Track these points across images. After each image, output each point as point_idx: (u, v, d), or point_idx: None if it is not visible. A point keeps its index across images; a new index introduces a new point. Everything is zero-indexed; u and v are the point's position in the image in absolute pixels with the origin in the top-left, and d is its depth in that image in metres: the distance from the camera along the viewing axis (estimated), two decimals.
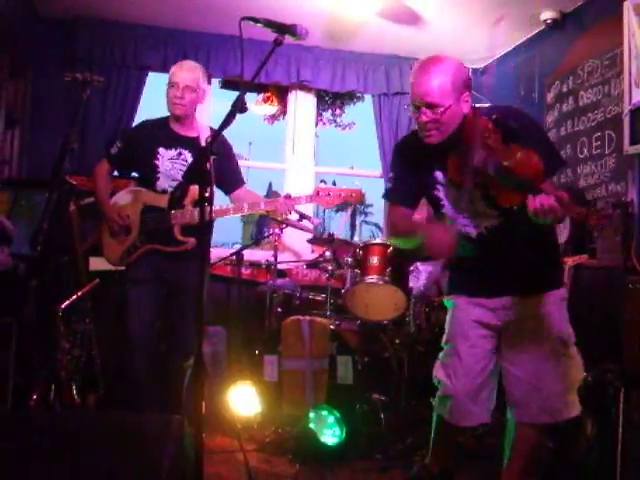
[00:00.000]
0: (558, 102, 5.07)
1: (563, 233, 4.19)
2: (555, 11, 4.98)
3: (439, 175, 2.73)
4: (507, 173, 2.38)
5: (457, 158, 2.59)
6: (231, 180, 3.90)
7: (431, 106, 2.54)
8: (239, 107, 2.35)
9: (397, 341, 4.51)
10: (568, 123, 4.92)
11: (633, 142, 4.08)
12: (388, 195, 2.98)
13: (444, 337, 3.03)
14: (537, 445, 2.89)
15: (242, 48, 2.49)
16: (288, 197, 3.71)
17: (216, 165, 3.63)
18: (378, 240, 4.64)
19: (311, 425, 3.85)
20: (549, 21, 5.05)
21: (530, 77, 5.46)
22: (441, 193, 2.77)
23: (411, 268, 4.70)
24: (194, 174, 2.27)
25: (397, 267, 4.42)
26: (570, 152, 4.85)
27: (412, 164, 2.83)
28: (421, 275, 4.71)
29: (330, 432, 3.81)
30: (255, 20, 2.49)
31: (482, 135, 2.50)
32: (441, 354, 3.02)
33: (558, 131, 5.04)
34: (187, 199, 3.49)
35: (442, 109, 2.54)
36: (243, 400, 4.23)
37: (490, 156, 2.42)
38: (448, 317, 3.04)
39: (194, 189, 2.33)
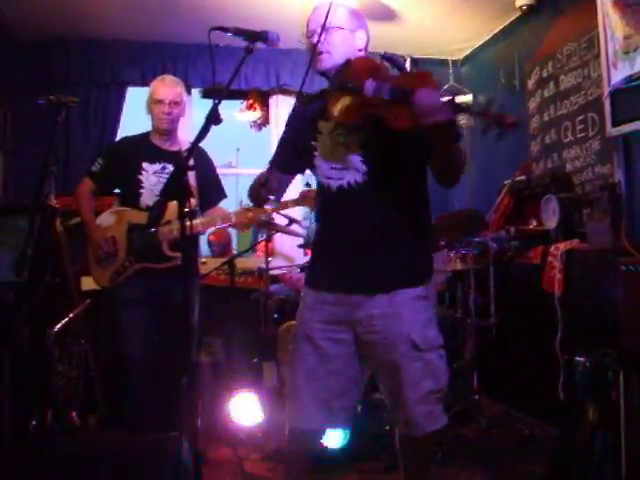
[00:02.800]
0: (539, 88, 5.06)
1: (552, 219, 4.18)
2: None
3: (322, 123, 2.57)
4: (403, 92, 2.16)
5: (344, 98, 2.42)
6: (209, 195, 3.91)
7: (327, 29, 2.51)
8: (213, 118, 2.32)
9: None
10: (551, 108, 4.91)
11: (615, 123, 4.05)
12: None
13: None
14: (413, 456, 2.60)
15: (212, 58, 2.56)
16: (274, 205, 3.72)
17: (196, 179, 3.66)
18: None
19: None
20: (524, 7, 5.04)
21: (510, 65, 5.45)
22: (318, 143, 2.58)
23: None
24: (170, 190, 2.25)
25: None
26: (555, 137, 4.84)
27: (299, 120, 2.71)
28: None
29: (334, 435, 3.79)
30: (224, 29, 2.48)
31: (369, 68, 2.43)
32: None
33: (541, 117, 5.03)
34: (171, 214, 3.48)
35: (336, 29, 2.55)
36: (245, 409, 4.22)
37: (381, 84, 2.25)
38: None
39: (174, 204, 2.29)
